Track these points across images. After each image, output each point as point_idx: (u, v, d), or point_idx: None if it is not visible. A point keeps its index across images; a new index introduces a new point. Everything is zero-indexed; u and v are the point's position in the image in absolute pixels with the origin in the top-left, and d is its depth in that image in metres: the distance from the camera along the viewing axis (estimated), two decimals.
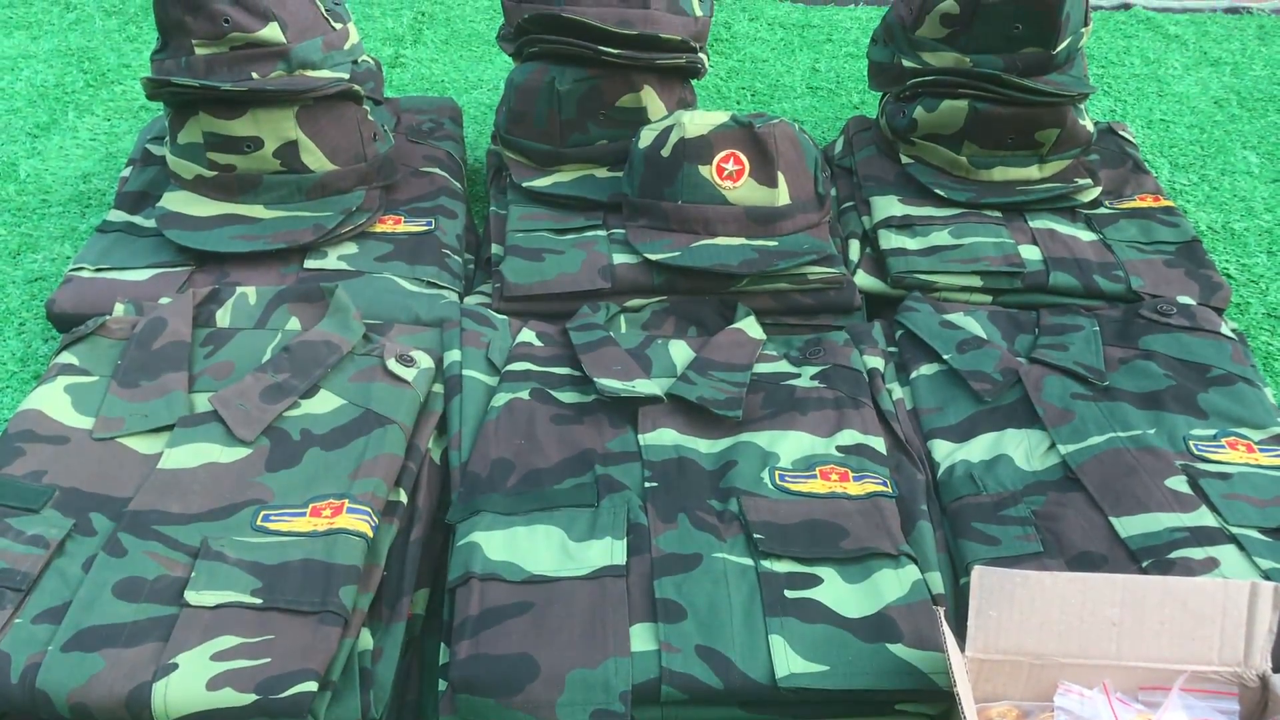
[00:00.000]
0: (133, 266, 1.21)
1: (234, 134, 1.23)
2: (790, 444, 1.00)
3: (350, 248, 1.24)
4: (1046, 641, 0.76)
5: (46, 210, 1.48)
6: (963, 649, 0.76)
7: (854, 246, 1.30)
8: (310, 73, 1.28)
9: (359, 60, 1.38)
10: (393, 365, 1.03)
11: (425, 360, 1.06)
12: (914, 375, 1.10)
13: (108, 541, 0.87)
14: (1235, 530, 0.89)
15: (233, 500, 0.91)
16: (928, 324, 1.15)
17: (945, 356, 1.11)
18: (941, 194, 1.33)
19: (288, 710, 0.75)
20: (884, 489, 0.96)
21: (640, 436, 0.99)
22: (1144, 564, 0.87)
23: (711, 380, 1.05)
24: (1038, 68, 1.34)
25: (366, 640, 0.83)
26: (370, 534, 0.88)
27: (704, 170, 1.21)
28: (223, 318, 1.11)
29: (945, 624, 0.74)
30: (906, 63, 1.39)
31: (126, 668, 0.76)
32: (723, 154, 1.21)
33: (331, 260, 1.22)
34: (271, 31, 1.25)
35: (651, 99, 1.34)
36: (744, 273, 1.16)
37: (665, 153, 1.22)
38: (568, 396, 1.05)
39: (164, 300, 1.12)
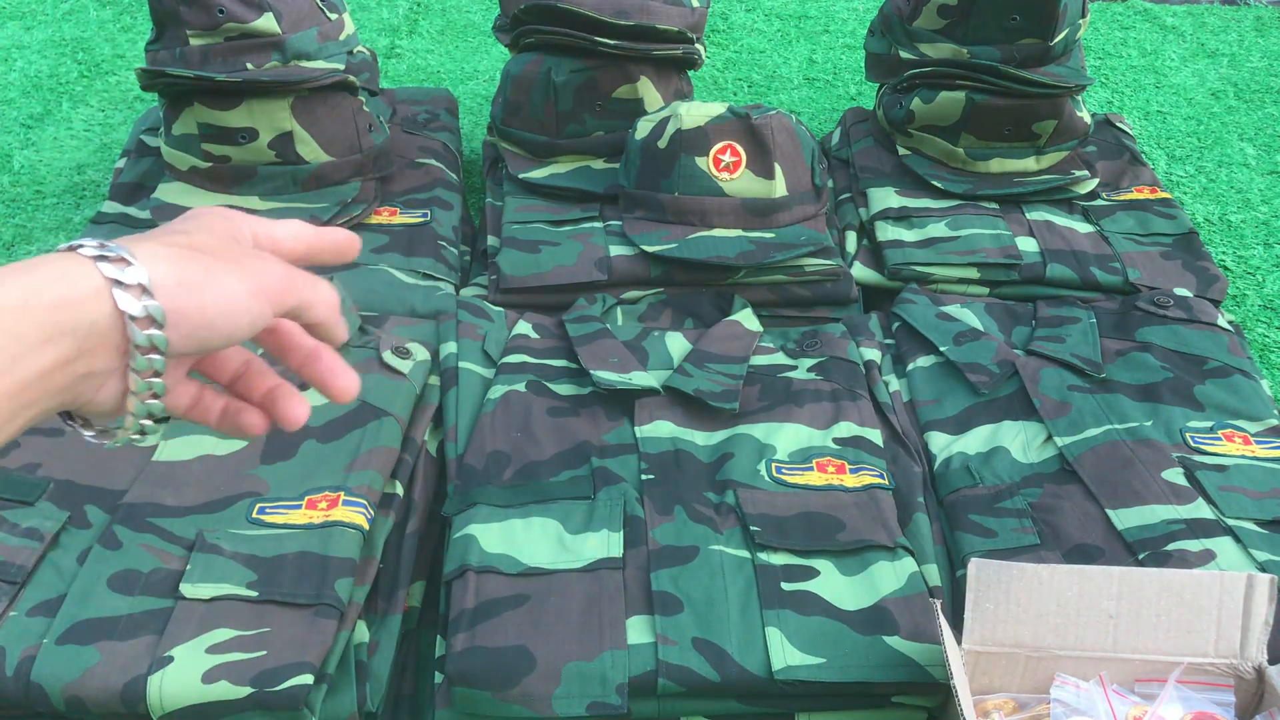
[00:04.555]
0: None
1: (229, 125, 1.23)
2: (787, 436, 1.00)
3: None
4: (1043, 634, 0.77)
5: (41, 201, 1.47)
6: (959, 641, 0.76)
7: (851, 238, 1.30)
8: (305, 63, 1.28)
9: (354, 51, 1.37)
10: (388, 358, 1.03)
11: (421, 353, 1.05)
12: (911, 367, 1.10)
13: (102, 534, 0.86)
14: (1231, 522, 0.90)
15: (228, 493, 0.91)
16: (925, 316, 1.15)
17: (942, 348, 1.10)
18: (938, 186, 1.33)
19: (283, 703, 0.75)
20: (881, 481, 0.96)
21: (637, 429, 0.99)
22: (1140, 556, 0.87)
23: (708, 372, 1.05)
24: (1035, 59, 1.34)
25: (362, 633, 0.83)
26: (366, 526, 0.88)
27: (701, 162, 1.21)
28: None
29: (942, 616, 0.74)
30: (903, 54, 1.39)
31: (121, 661, 0.76)
32: (719, 145, 1.21)
33: None
34: (266, 22, 1.24)
35: (648, 90, 1.34)
36: (741, 265, 1.15)
37: (662, 144, 1.22)
38: (564, 389, 1.05)
39: None
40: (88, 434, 0.45)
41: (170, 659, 0.76)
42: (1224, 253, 1.43)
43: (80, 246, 0.40)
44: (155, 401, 0.43)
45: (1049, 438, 1.00)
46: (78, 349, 0.39)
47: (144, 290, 0.40)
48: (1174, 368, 1.07)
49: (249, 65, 1.25)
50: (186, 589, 0.82)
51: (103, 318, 0.39)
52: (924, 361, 1.10)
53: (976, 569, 0.76)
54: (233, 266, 0.43)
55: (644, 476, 0.94)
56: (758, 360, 1.09)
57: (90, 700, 0.75)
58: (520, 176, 1.32)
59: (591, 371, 1.03)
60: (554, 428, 1.00)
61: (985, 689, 0.78)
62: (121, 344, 0.40)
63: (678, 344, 1.11)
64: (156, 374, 0.41)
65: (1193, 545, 0.87)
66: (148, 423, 0.44)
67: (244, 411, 0.48)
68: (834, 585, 0.85)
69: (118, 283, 0.39)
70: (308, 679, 0.76)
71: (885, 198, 1.32)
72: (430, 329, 1.11)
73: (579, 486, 0.93)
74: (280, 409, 0.48)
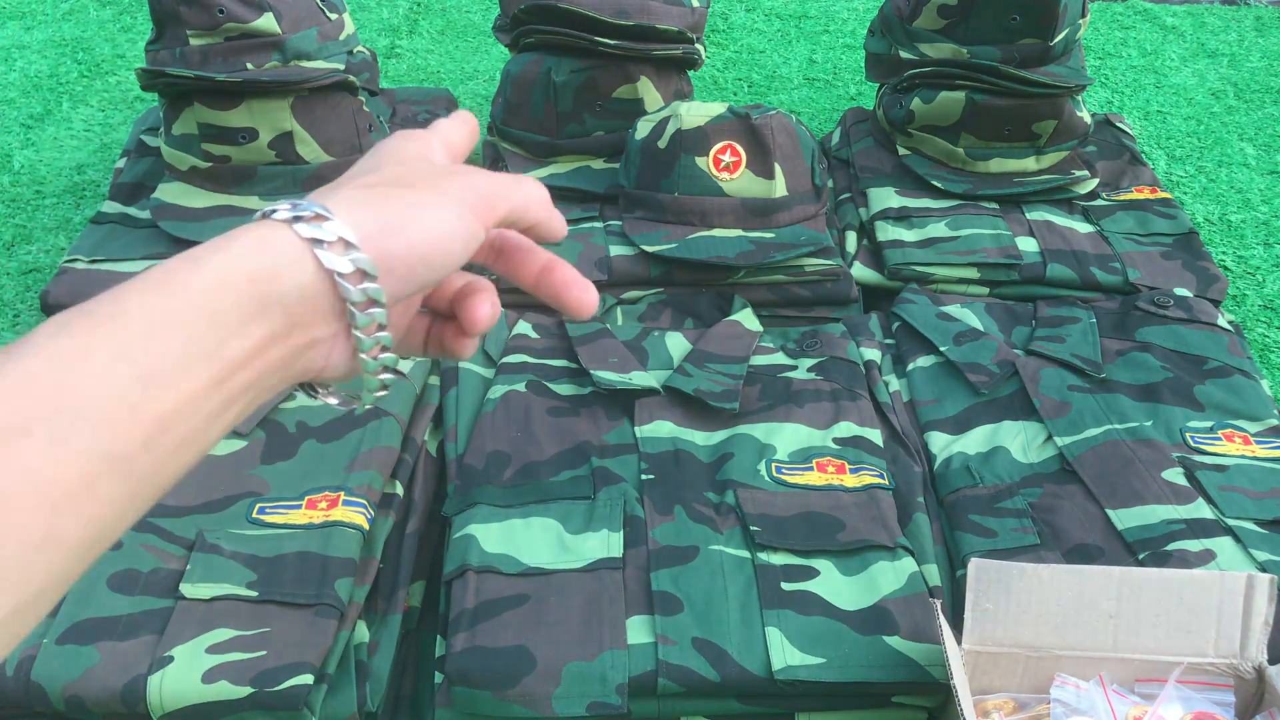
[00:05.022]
0: (128, 258, 1.20)
1: (229, 125, 1.23)
2: (787, 436, 1.00)
3: None
4: (1043, 634, 0.77)
5: (40, 201, 1.47)
6: (959, 641, 0.76)
7: (851, 238, 1.30)
8: (305, 63, 1.28)
9: (354, 51, 1.37)
10: None
11: None
12: (911, 367, 1.10)
13: None
14: (1231, 522, 0.90)
15: (228, 493, 0.91)
16: (925, 316, 1.15)
17: (942, 348, 1.10)
18: (938, 185, 1.33)
19: (283, 703, 0.75)
20: (881, 481, 0.96)
21: (637, 429, 0.99)
22: (1140, 556, 0.87)
23: (708, 372, 1.05)
24: (1035, 59, 1.34)
25: (363, 633, 0.83)
26: (366, 526, 0.88)
27: (701, 162, 1.21)
28: None
29: (942, 616, 0.74)
30: (903, 54, 1.39)
31: (121, 661, 0.76)
32: (719, 145, 1.21)
33: None
34: (266, 22, 1.24)
35: (648, 90, 1.34)
36: (741, 264, 1.15)
37: (662, 144, 1.22)
38: (564, 389, 1.05)
39: None
40: (333, 400, 0.43)
41: (170, 659, 0.76)
42: (1224, 253, 1.43)
43: (273, 212, 0.38)
44: (388, 355, 0.40)
45: (1049, 438, 1.00)
46: (289, 320, 0.36)
47: (347, 244, 0.37)
48: (1174, 368, 1.07)
49: (249, 65, 1.25)
50: (186, 589, 0.82)
51: (309, 281, 0.37)
52: (924, 361, 1.10)
53: (976, 569, 0.76)
54: (431, 192, 0.40)
55: (644, 476, 0.94)
56: (758, 360, 1.09)
57: (90, 700, 0.75)
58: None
59: (591, 371, 1.03)
60: (554, 428, 1.00)
61: (985, 689, 0.78)
62: (337, 305, 0.38)
63: (678, 344, 1.11)
64: (381, 327, 0.39)
65: (1193, 545, 0.87)
66: (387, 376, 0.41)
67: (446, 332, 0.46)
68: (834, 585, 0.85)
69: (317, 241, 0.37)
70: (308, 679, 0.76)
71: (885, 198, 1.32)
72: None
73: (579, 486, 0.93)
74: (468, 312, 0.44)
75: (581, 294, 0.45)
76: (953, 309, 1.17)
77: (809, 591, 0.85)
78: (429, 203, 0.40)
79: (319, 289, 0.37)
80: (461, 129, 0.47)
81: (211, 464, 0.93)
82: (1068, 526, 0.91)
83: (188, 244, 1.20)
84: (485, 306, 0.44)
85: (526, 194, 0.43)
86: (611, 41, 1.28)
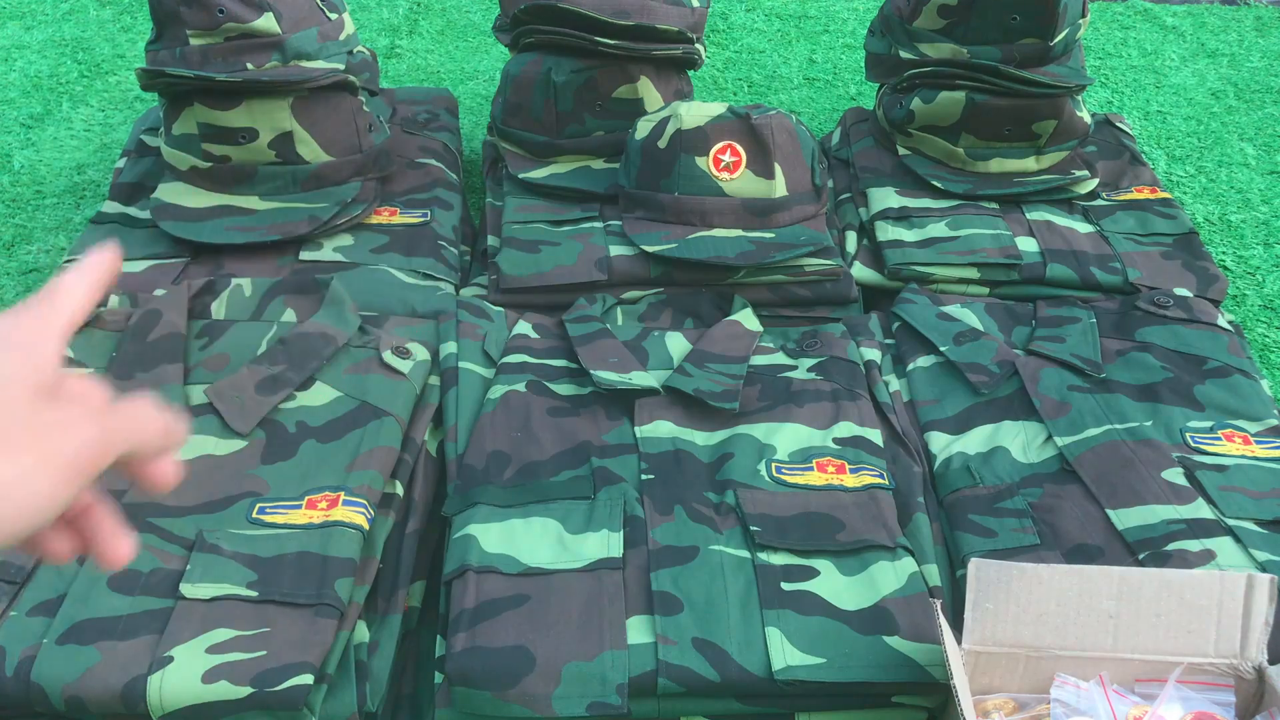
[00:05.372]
0: (128, 258, 1.20)
1: (229, 125, 1.23)
2: (787, 436, 1.00)
3: (346, 239, 1.24)
4: (1043, 634, 0.77)
5: (41, 201, 1.47)
6: (959, 641, 0.76)
7: (851, 238, 1.30)
8: (305, 63, 1.28)
9: (354, 51, 1.37)
10: (388, 357, 1.03)
11: (421, 352, 1.05)
12: (911, 367, 1.10)
13: None
14: (1231, 522, 0.90)
15: (228, 493, 0.91)
16: (925, 316, 1.15)
17: (942, 348, 1.10)
18: (938, 185, 1.33)
19: (283, 703, 0.75)
20: (881, 481, 0.96)
21: (637, 429, 0.99)
22: (1140, 556, 0.87)
23: (708, 372, 1.05)
24: (1035, 59, 1.34)
25: (362, 633, 0.83)
26: (366, 526, 0.88)
27: (701, 162, 1.21)
28: (218, 309, 1.11)
29: (942, 616, 0.74)
30: (904, 54, 1.39)
31: (122, 661, 0.76)
32: (719, 145, 1.21)
33: (327, 252, 1.22)
34: (266, 22, 1.24)
35: (648, 90, 1.34)
36: (741, 264, 1.15)
37: (662, 144, 1.22)
38: (564, 389, 1.05)
39: (159, 292, 1.12)
40: None
41: (170, 659, 0.76)
42: (1224, 253, 1.43)
43: None
44: None
45: (1049, 438, 1.00)
46: None
47: None
48: (1174, 368, 1.07)
49: (249, 65, 1.25)
50: (186, 589, 0.82)
51: None
52: (924, 361, 1.10)
53: (976, 569, 0.76)
54: (25, 454, 0.35)
55: (644, 476, 0.94)
56: (758, 360, 1.09)
57: (90, 700, 0.75)
58: (520, 176, 1.32)
59: (591, 371, 1.03)
60: (554, 428, 1.00)
61: (985, 689, 0.78)
62: None
63: (678, 344, 1.11)
64: None
65: (1193, 545, 0.87)
66: None
67: (50, 536, 0.40)
68: (834, 585, 0.85)
69: None
70: (308, 679, 0.76)
71: (885, 198, 1.32)
72: (430, 329, 1.11)
73: (579, 486, 0.93)
74: (104, 550, 0.40)
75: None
76: (953, 309, 1.17)
77: (809, 591, 0.85)
78: (22, 471, 0.34)
79: None
80: (85, 288, 0.41)
81: (211, 464, 0.93)
82: (1068, 526, 0.91)
83: (187, 243, 1.21)
84: (126, 545, 0.40)
85: (138, 433, 0.39)
86: (611, 41, 1.28)
